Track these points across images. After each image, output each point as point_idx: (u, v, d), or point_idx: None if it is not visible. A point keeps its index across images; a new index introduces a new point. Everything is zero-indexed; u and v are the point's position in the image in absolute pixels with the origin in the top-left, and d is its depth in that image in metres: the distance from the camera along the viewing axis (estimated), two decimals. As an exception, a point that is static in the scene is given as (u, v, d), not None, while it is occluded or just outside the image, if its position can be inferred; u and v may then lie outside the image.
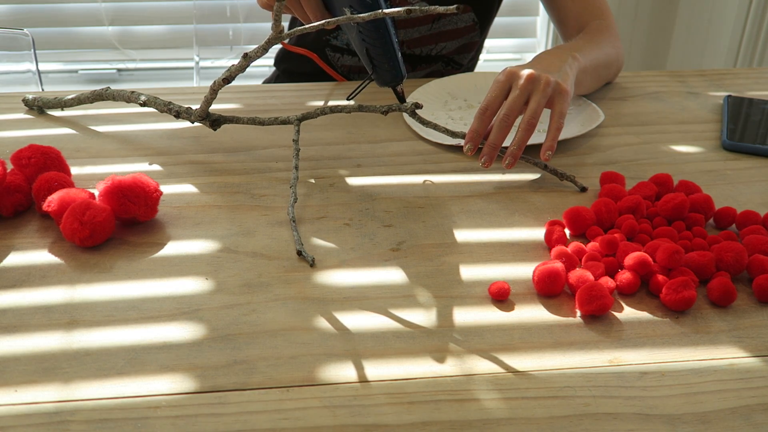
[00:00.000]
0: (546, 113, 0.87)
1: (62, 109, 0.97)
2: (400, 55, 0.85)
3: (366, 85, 0.90)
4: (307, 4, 0.88)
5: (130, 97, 0.88)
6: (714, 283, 0.66)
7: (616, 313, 0.65)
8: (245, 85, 1.10)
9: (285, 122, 0.84)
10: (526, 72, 0.82)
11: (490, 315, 0.64)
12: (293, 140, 0.81)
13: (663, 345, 0.61)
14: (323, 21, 0.74)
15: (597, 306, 0.63)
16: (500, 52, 2.07)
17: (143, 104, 0.87)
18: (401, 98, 0.89)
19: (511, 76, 0.82)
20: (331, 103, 1.02)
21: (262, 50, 0.76)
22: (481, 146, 0.82)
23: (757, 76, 1.15)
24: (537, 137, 0.93)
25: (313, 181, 0.83)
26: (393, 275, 0.69)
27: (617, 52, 1.05)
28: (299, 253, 0.70)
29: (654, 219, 0.76)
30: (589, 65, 0.94)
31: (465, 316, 0.64)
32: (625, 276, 0.67)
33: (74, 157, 0.86)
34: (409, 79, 1.12)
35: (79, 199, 0.71)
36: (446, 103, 1.02)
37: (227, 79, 0.78)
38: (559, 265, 0.67)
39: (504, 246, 0.73)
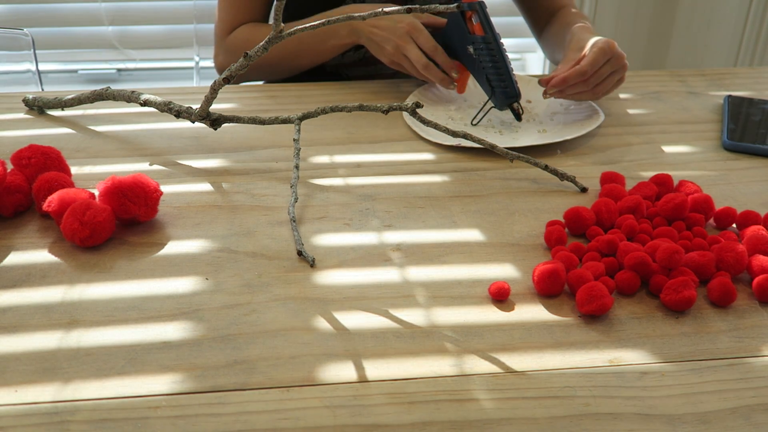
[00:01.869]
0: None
1: (62, 109, 0.97)
2: (514, 76, 0.93)
3: (487, 111, 0.98)
4: (419, 37, 0.96)
5: (130, 97, 0.88)
6: (714, 283, 0.66)
7: (616, 313, 0.65)
8: (245, 85, 1.10)
9: (286, 121, 0.84)
10: (621, 53, 0.93)
11: (490, 315, 0.64)
12: (294, 139, 0.81)
13: (663, 345, 0.61)
14: (323, 20, 0.73)
15: (597, 306, 0.63)
16: (500, 52, 2.06)
17: (143, 104, 0.87)
18: (518, 116, 0.96)
19: (612, 50, 0.92)
20: (331, 102, 1.02)
21: (263, 50, 0.75)
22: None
23: (757, 76, 1.15)
24: (539, 138, 0.93)
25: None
26: (393, 275, 0.69)
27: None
28: (299, 253, 0.70)
29: (654, 219, 0.75)
30: None
31: (465, 316, 0.64)
32: (625, 276, 0.67)
33: (74, 157, 0.86)
34: (410, 78, 1.12)
35: (79, 199, 0.71)
36: (446, 102, 1.02)
37: (228, 78, 0.78)
38: (559, 265, 0.66)
39: (504, 246, 0.73)
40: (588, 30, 1.00)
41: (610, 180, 0.81)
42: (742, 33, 1.87)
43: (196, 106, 0.84)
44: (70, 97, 0.94)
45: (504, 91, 0.92)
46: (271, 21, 1.16)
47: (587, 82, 0.91)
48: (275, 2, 0.72)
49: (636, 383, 0.58)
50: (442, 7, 0.73)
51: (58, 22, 1.81)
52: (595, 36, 0.96)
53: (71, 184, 0.76)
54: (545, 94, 0.93)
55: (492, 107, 0.96)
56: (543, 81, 0.93)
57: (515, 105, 0.94)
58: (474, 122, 0.96)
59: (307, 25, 0.74)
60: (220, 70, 1.14)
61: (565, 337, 0.62)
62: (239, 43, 1.09)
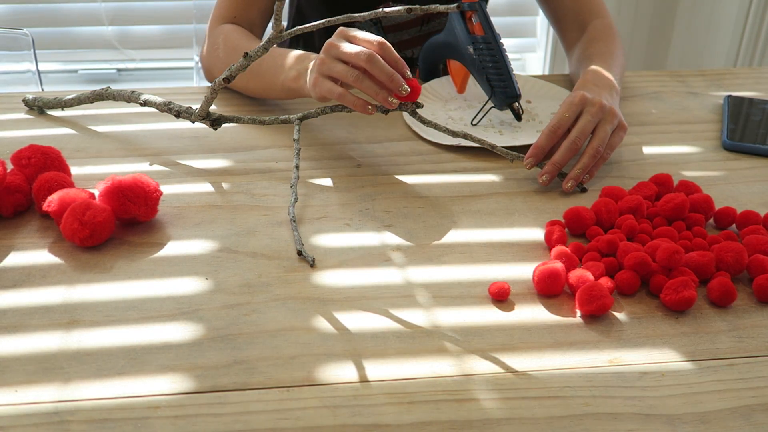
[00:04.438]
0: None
1: (62, 109, 0.97)
2: (514, 76, 0.92)
3: (487, 111, 0.97)
4: (340, 52, 0.78)
5: (130, 97, 0.88)
6: (714, 283, 0.66)
7: (616, 313, 0.65)
8: (245, 85, 1.09)
9: (285, 122, 0.84)
10: (597, 99, 0.85)
11: (490, 315, 0.64)
12: (294, 139, 0.81)
13: (663, 345, 0.61)
14: (323, 21, 0.73)
15: (597, 306, 0.63)
16: (500, 52, 2.06)
17: (143, 104, 0.87)
18: (518, 116, 0.94)
19: (584, 100, 0.84)
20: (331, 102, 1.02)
21: (263, 50, 0.75)
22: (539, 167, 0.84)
23: (757, 76, 1.15)
24: (537, 137, 0.93)
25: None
26: (393, 275, 0.69)
27: (625, 58, 1.05)
28: (299, 253, 0.70)
29: (654, 219, 0.75)
30: (619, 90, 0.94)
31: (465, 316, 0.64)
32: (625, 276, 0.67)
33: (74, 157, 0.86)
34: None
35: (79, 199, 0.71)
36: (446, 102, 1.02)
37: (228, 78, 0.78)
38: (559, 265, 0.67)
39: (504, 246, 0.73)
40: (594, 74, 0.92)
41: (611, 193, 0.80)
42: (742, 33, 1.87)
43: (196, 107, 0.84)
44: (70, 97, 0.94)
45: (504, 91, 0.93)
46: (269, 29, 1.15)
47: (574, 143, 0.82)
48: (276, 2, 0.72)
49: (636, 383, 0.58)
50: (442, 7, 0.73)
51: (58, 22, 1.81)
52: (609, 72, 0.92)
53: (71, 184, 0.76)
54: (539, 177, 0.82)
55: (492, 107, 0.96)
56: (525, 160, 0.83)
57: (515, 105, 0.94)
58: (474, 122, 0.96)
59: (308, 25, 0.74)
60: (203, 61, 1.05)
61: (565, 337, 0.62)
62: (219, 39, 1.00)
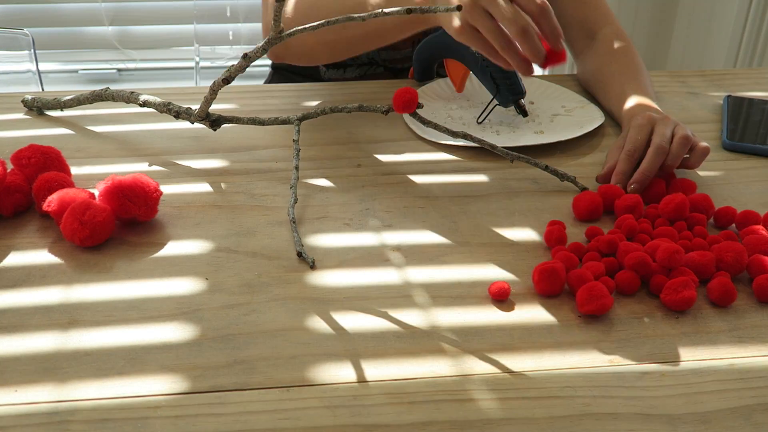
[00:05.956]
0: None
1: (61, 110, 0.97)
2: (518, 72, 0.91)
3: (492, 109, 0.96)
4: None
5: (129, 98, 0.88)
6: (714, 283, 0.66)
7: (616, 313, 0.65)
8: (245, 85, 1.10)
9: (285, 122, 0.84)
10: (661, 116, 0.86)
11: (490, 315, 0.64)
12: (293, 140, 0.81)
13: (663, 345, 0.61)
14: (322, 21, 0.73)
15: (597, 306, 0.63)
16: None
17: (142, 105, 0.87)
18: (524, 112, 0.94)
19: (652, 120, 0.85)
20: (331, 103, 1.02)
21: (262, 50, 0.75)
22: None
23: (757, 76, 1.15)
24: (539, 138, 0.93)
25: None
26: (393, 275, 0.69)
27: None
28: (299, 254, 0.70)
29: (654, 219, 0.76)
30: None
31: (465, 316, 0.64)
32: (625, 276, 0.67)
33: (74, 157, 0.86)
34: (412, 80, 1.12)
35: (79, 199, 0.71)
36: (447, 102, 1.02)
37: (227, 79, 0.78)
38: (559, 265, 0.67)
39: (504, 246, 0.73)
40: (641, 109, 0.91)
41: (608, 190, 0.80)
42: (742, 33, 1.87)
43: (195, 107, 0.84)
44: (69, 97, 0.94)
45: (510, 88, 0.92)
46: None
47: (660, 147, 0.81)
48: (275, 3, 0.72)
49: (636, 383, 0.58)
50: (443, 8, 0.73)
51: (58, 22, 1.81)
52: (646, 96, 0.92)
53: (71, 184, 0.76)
54: (628, 186, 0.81)
55: (496, 105, 0.96)
56: (599, 178, 0.84)
57: (521, 101, 0.94)
58: (479, 120, 0.96)
59: (307, 26, 0.74)
60: (286, 26, 0.96)
61: (565, 337, 0.62)
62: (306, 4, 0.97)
